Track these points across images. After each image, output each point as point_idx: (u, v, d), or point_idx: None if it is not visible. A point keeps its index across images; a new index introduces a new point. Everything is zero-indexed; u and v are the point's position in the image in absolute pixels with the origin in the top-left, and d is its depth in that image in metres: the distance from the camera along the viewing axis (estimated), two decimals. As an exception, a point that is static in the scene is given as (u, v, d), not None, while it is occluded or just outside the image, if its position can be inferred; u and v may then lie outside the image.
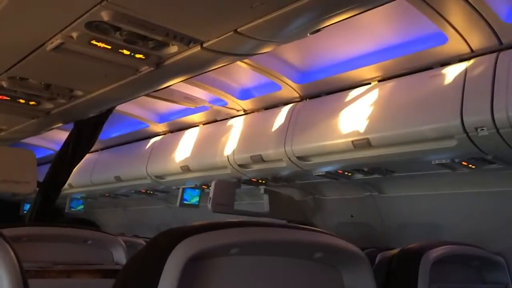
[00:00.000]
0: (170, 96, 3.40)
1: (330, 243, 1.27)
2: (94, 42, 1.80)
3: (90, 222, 3.50)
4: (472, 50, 2.43)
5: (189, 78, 2.31)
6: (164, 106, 4.19)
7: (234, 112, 3.73)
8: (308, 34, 1.77)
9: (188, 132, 4.18)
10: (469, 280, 2.36)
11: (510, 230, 2.78)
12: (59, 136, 4.93)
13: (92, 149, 4.09)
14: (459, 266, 2.29)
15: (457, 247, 2.21)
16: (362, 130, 2.68)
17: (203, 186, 4.20)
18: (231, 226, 1.14)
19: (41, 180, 3.82)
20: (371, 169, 2.97)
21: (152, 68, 2.05)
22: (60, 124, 3.25)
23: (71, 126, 3.90)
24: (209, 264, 1.12)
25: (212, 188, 3.45)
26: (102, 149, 5.31)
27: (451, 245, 2.12)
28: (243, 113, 3.68)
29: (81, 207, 6.09)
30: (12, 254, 1.32)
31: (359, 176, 3.13)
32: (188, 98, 3.51)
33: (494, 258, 2.49)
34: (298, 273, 1.29)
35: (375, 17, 2.48)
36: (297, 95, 3.30)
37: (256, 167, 3.42)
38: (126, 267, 1.17)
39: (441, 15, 2.24)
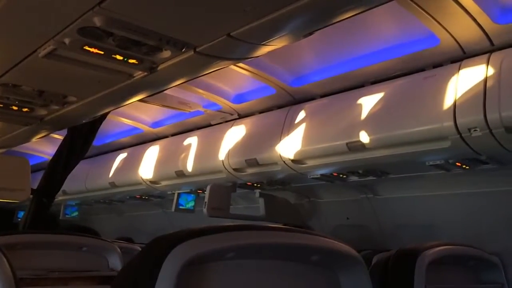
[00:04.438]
0: (164, 101, 3.39)
1: (326, 245, 1.27)
2: (86, 47, 1.79)
3: (88, 230, 3.47)
4: (464, 52, 2.44)
5: (183, 82, 2.30)
6: (158, 111, 4.18)
7: (228, 116, 3.73)
8: (302, 37, 1.78)
9: (182, 137, 4.17)
10: (465, 281, 2.37)
11: (505, 230, 2.79)
12: (52, 142, 4.91)
13: (86, 155, 4.07)
14: (455, 266, 2.29)
15: (453, 247, 2.22)
16: (356, 132, 2.69)
17: (198, 191, 4.19)
18: (226, 230, 1.14)
19: (34, 187, 3.80)
20: (366, 171, 2.97)
21: (145, 73, 2.04)
22: (54, 131, 3.23)
23: (64, 132, 3.89)
24: (206, 268, 1.12)
25: (207, 192, 3.44)
26: (96, 155, 5.29)
27: (447, 246, 2.13)
28: (238, 117, 3.68)
29: (76, 213, 6.06)
30: (6, 262, 1.31)
31: (354, 178, 3.14)
32: (182, 103, 3.50)
33: (490, 259, 2.49)
34: (294, 276, 1.29)
35: (367, 19, 2.49)
36: (291, 98, 3.30)
37: (251, 170, 3.42)
38: (121, 274, 1.17)
39: (432, 17, 2.25)
